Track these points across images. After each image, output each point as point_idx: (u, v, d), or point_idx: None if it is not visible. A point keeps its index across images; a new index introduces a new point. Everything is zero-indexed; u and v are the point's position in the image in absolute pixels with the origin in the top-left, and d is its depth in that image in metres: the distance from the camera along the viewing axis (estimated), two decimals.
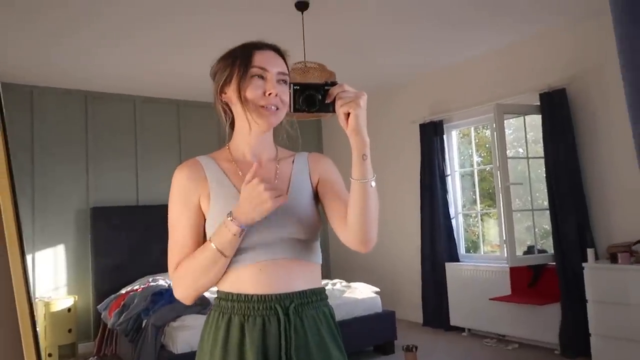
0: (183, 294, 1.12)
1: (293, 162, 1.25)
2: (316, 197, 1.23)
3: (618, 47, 0.60)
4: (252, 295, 1.09)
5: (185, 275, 1.10)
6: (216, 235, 1.05)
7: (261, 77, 1.13)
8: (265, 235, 1.10)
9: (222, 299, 1.12)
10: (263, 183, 1.00)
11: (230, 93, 1.15)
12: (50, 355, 4.28)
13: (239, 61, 1.13)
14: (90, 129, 4.97)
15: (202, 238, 1.14)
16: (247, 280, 1.09)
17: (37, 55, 3.99)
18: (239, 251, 1.09)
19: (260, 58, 1.13)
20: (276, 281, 1.10)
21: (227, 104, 1.19)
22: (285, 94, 1.13)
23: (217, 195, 1.14)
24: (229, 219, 1.03)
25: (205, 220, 1.15)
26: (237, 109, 1.16)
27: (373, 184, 1.04)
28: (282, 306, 1.08)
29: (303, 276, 1.14)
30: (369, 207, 1.05)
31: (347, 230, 1.11)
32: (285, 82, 1.16)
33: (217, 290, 1.15)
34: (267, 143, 1.22)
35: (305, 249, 1.15)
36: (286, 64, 1.19)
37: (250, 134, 1.17)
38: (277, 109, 1.13)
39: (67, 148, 4.84)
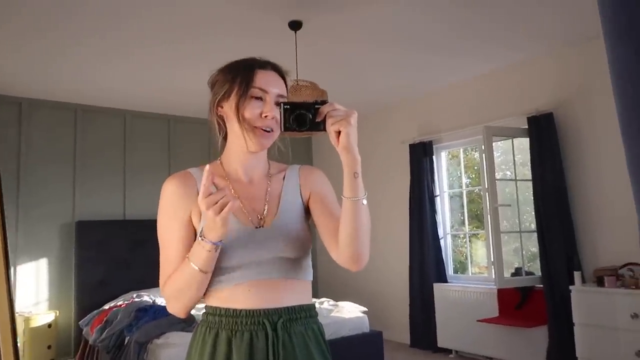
0: (174, 309, 1.11)
1: (284, 177, 1.24)
2: (307, 212, 1.22)
3: (608, 57, 0.61)
4: (241, 310, 1.08)
5: (171, 292, 1.09)
6: (193, 254, 1.04)
7: (260, 98, 1.12)
8: (255, 255, 1.10)
9: (210, 314, 1.12)
10: (205, 200, 0.95)
11: (227, 109, 1.14)
12: None
13: (239, 79, 1.13)
14: (79, 142, 4.93)
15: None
16: (236, 297, 1.09)
17: (28, 68, 3.97)
18: (227, 270, 1.09)
19: (262, 79, 1.13)
20: (265, 297, 1.09)
21: (222, 118, 1.18)
22: (279, 115, 1.12)
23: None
24: (200, 237, 1.02)
25: (196, 234, 1.12)
26: (232, 125, 1.15)
27: (364, 201, 1.04)
28: (270, 321, 1.08)
29: (292, 293, 1.13)
30: (360, 225, 1.05)
31: (338, 247, 1.10)
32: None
33: (205, 305, 1.14)
34: (259, 160, 1.22)
35: (295, 267, 1.14)
36: (286, 84, 1.19)
37: (243, 150, 1.16)
38: (272, 130, 1.14)
39: (55, 160, 4.79)
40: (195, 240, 1.10)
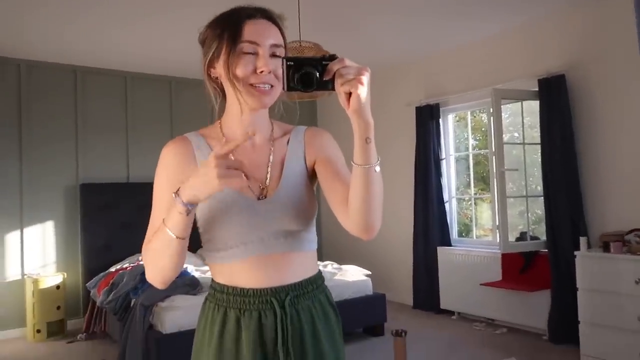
0: (149, 276, 1.04)
1: (289, 141, 1.15)
2: (312, 177, 1.14)
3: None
4: (248, 290, 1.06)
5: (146, 258, 1.02)
6: (168, 216, 0.95)
7: (252, 52, 1.02)
8: (258, 229, 1.05)
9: (217, 291, 1.09)
10: (219, 159, 0.85)
11: (220, 69, 1.05)
12: (38, 331, 4.27)
13: (226, 34, 1.02)
14: (79, 105, 4.87)
15: None
16: (241, 274, 1.06)
17: (25, 29, 3.86)
18: (229, 245, 1.05)
19: (251, 30, 1.02)
20: (271, 275, 1.06)
21: (217, 79, 1.09)
22: (280, 69, 0.99)
23: None
24: (174, 194, 0.92)
25: None
26: (227, 85, 1.06)
27: (377, 168, 0.94)
28: (277, 299, 1.05)
29: (298, 267, 1.10)
30: (372, 194, 0.96)
31: (348, 216, 1.02)
32: (279, 55, 1.04)
33: (212, 280, 1.12)
34: (261, 120, 1.12)
35: (300, 239, 1.10)
36: (282, 32, 1.08)
37: (242, 113, 1.08)
38: (272, 86, 1.03)
39: (56, 123, 4.75)
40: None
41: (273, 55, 1.03)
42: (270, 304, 1.05)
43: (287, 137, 1.16)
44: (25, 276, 4.46)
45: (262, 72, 1.01)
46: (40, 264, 4.60)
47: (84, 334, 4.28)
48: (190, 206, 0.92)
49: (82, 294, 4.70)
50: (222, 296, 1.08)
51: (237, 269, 1.06)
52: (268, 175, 1.10)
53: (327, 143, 1.17)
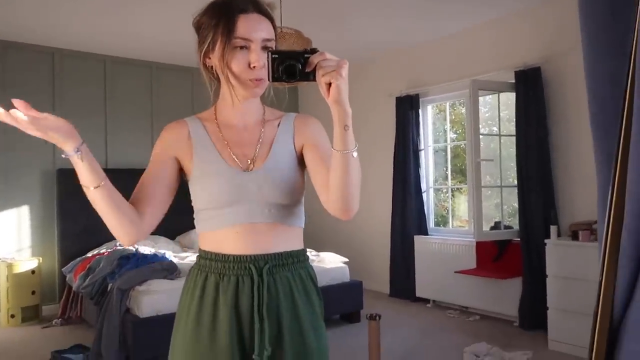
0: (114, 235, 1.13)
1: (279, 125, 1.23)
2: (301, 162, 1.22)
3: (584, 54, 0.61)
4: (229, 255, 1.13)
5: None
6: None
7: (245, 46, 1.09)
8: (241, 197, 1.12)
9: (202, 257, 1.17)
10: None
11: (214, 61, 1.13)
12: (12, 316, 4.22)
13: (221, 28, 1.08)
14: (57, 87, 4.80)
15: (164, 190, 1.16)
16: (225, 241, 1.13)
17: (3, 10, 3.78)
18: (215, 212, 1.13)
19: (244, 25, 1.08)
20: (252, 243, 1.13)
21: (212, 68, 1.16)
22: None
23: (199, 157, 1.16)
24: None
25: (177, 177, 1.19)
26: (221, 76, 1.14)
27: (355, 154, 1.02)
28: (256, 267, 1.12)
29: (281, 239, 1.16)
30: (350, 177, 1.04)
31: (329, 197, 1.10)
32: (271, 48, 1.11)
33: (199, 249, 1.20)
34: (253, 106, 1.21)
35: (286, 213, 1.16)
36: (273, 23, 1.15)
37: (233, 103, 1.17)
38: (262, 79, 1.11)
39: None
40: (170, 182, 1.17)
41: (264, 48, 1.10)
42: (249, 271, 1.11)
43: (278, 121, 1.24)
44: None
45: (255, 67, 1.09)
46: (15, 249, 4.55)
47: (60, 319, 4.25)
48: (72, 153, 1.00)
49: (58, 279, 4.66)
50: (205, 262, 1.15)
51: (223, 236, 1.13)
52: (256, 151, 1.18)
53: (316, 130, 1.24)
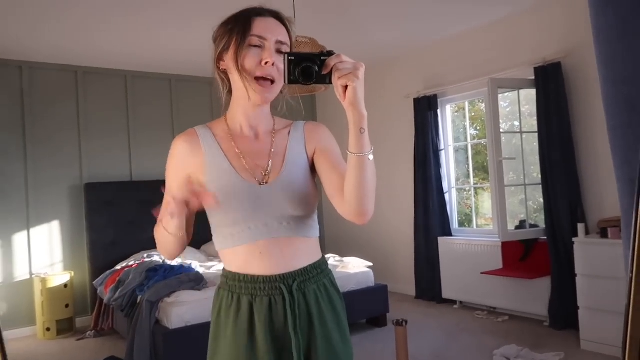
0: (160, 252, 1.21)
1: (289, 133, 1.23)
2: (312, 168, 1.22)
3: (594, 39, 0.61)
4: (258, 277, 1.13)
5: (156, 241, 1.18)
6: (163, 217, 1.10)
7: (259, 46, 1.10)
8: (261, 212, 1.12)
9: (230, 279, 1.17)
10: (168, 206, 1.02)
11: (228, 61, 1.13)
12: (48, 329, 4.35)
13: (237, 29, 1.10)
14: (81, 105, 4.92)
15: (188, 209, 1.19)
16: (251, 262, 1.14)
17: (26, 31, 3.91)
18: (235, 230, 1.13)
19: (260, 26, 1.10)
20: (278, 262, 1.14)
21: (225, 72, 1.17)
22: (282, 64, 1.07)
23: (211, 169, 1.15)
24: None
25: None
26: (234, 77, 1.14)
27: (371, 157, 1.03)
28: (286, 285, 1.13)
29: (303, 253, 1.18)
30: (366, 181, 1.04)
31: (344, 202, 1.11)
32: (283, 51, 1.12)
33: (225, 270, 1.20)
34: (264, 115, 1.21)
35: (303, 225, 1.17)
36: (289, 32, 1.16)
37: (247, 104, 1.16)
38: (273, 82, 1.11)
39: (58, 124, 4.80)
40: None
41: (278, 52, 1.11)
42: (280, 290, 1.13)
43: (288, 130, 1.24)
44: (33, 276, 4.54)
45: (266, 63, 1.09)
46: (47, 263, 4.68)
47: (93, 331, 4.35)
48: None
49: (90, 292, 4.77)
50: (234, 283, 1.16)
51: (246, 256, 1.14)
52: (270, 163, 1.17)
53: (325, 136, 1.25)
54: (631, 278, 0.63)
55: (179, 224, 1.07)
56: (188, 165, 1.16)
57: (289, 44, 1.14)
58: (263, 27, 1.10)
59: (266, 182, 1.14)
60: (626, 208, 0.65)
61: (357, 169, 1.03)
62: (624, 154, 0.57)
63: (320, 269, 1.20)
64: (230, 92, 1.20)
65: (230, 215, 1.12)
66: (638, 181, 0.58)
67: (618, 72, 0.54)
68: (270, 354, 1.10)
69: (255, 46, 1.09)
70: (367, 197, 1.07)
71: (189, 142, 1.18)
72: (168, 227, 1.09)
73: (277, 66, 1.10)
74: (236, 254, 1.15)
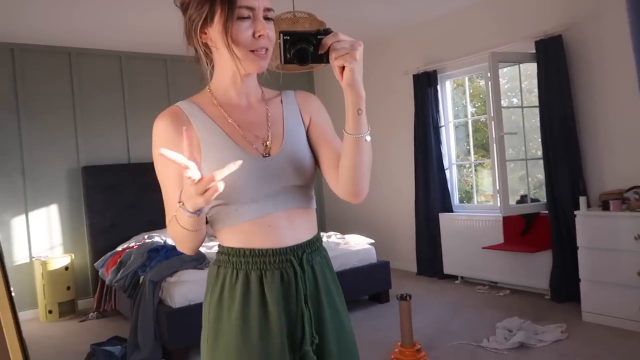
0: (181, 250, 1.10)
1: (281, 101, 1.18)
2: (308, 137, 1.17)
3: None
4: (267, 250, 1.07)
5: (173, 238, 1.07)
6: (178, 215, 0.98)
7: (247, 16, 1.01)
8: (268, 186, 1.07)
9: (233, 255, 1.09)
10: (191, 177, 0.86)
11: (214, 34, 1.03)
12: (50, 312, 4.35)
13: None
14: (76, 87, 4.85)
15: None
16: (257, 236, 1.07)
17: (15, 12, 3.82)
18: (240, 205, 1.06)
19: None
20: (287, 234, 1.09)
21: (206, 44, 1.08)
22: (272, 31, 1.05)
23: (208, 145, 1.06)
24: (179, 204, 0.95)
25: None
26: (221, 52, 1.05)
27: (368, 138, 1.00)
28: (296, 257, 1.09)
29: (308, 224, 1.14)
30: (362, 162, 1.02)
31: (338, 181, 1.08)
32: (271, 18, 1.05)
33: (225, 247, 1.10)
34: (253, 82, 1.14)
35: (305, 195, 1.13)
36: None
37: (236, 73, 1.08)
38: (267, 50, 1.04)
39: (54, 107, 4.74)
40: None
41: (266, 19, 1.04)
42: (290, 262, 1.08)
43: (279, 98, 1.19)
44: (33, 259, 4.52)
45: (260, 35, 1.02)
46: (47, 247, 4.66)
47: (95, 312, 4.37)
48: (199, 212, 0.95)
49: (91, 274, 4.77)
50: (240, 259, 1.08)
51: (252, 230, 1.07)
52: (269, 132, 1.11)
53: (319, 107, 1.21)
54: None
55: (199, 220, 0.98)
56: (178, 143, 1.01)
57: (273, 9, 1.07)
58: None
59: (268, 154, 1.09)
60: None
61: (353, 150, 1.00)
62: None
63: (320, 241, 1.19)
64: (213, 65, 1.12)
65: (234, 192, 1.04)
66: None
67: None
68: (284, 328, 1.06)
69: (243, 18, 1.01)
70: (362, 178, 1.05)
71: (174, 122, 1.06)
72: (186, 224, 0.97)
73: (269, 35, 1.03)
74: (240, 230, 1.08)
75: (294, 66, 1.02)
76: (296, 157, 1.11)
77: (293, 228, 1.11)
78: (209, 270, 1.16)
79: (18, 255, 4.53)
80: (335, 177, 1.09)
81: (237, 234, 1.09)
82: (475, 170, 5.18)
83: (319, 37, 0.93)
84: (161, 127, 1.06)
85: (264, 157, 1.08)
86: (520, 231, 4.15)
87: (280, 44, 0.94)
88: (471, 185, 5.22)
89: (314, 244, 1.14)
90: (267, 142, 1.10)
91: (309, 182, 1.13)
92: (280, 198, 1.09)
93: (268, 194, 1.07)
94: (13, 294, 1.17)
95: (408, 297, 2.89)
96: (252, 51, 1.03)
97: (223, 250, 1.11)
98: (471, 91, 5.21)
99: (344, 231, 5.20)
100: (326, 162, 1.12)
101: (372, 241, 4.36)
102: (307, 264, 1.11)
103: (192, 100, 1.13)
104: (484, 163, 5.12)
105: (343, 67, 0.92)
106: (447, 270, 4.76)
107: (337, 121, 1.11)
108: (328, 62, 0.94)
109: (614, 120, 3.61)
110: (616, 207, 3.27)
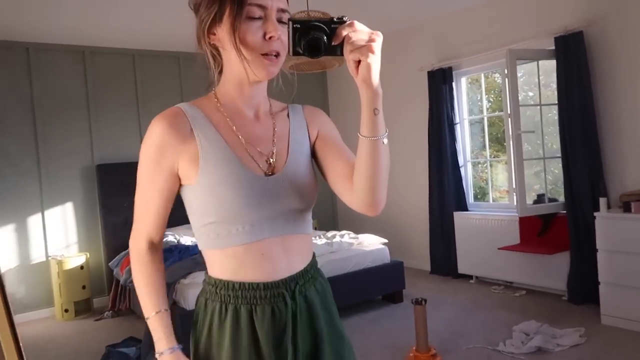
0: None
1: (288, 116, 1.10)
2: (312, 154, 1.10)
3: None
4: (258, 283, 1.00)
5: (133, 280, 1.10)
6: (153, 332, 1.06)
7: (259, 17, 0.93)
8: (267, 208, 0.98)
9: (221, 288, 1.01)
10: None
11: (222, 35, 0.95)
12: (66, 310, 4.39)
13: None
14: (90, 85, 4.86)
15: (170, 204, 1.02)
16: (248, 266, 0.99)
17: (31, 12, 3.82)
18: (236, 228, 0.97)
19: None
20: (280, 264, 1.01)
21: (215, 47, 1.00)
22: (285, 35, 0.94)
23: (207, 156, 0.97)
24: (157, 356, 1.04)
25: (179, 186, 1.00)
26: (229, 53, 0.97)
27: (385, 141, 0.89)
28: (288, 290, 1.01)
29: (302, 252, 1.07)
30: (379, 168, 0.91)
31: (352, 191, 0.98)
32: (284, 21, 0.96)
33: (213, 278, 1.03)
34: (262, 92, 1.06)
35: (303, 220, 1.06)
36: None
37: (244, 80, 1.00)
38: (278, 55, 0.95)
39: (68, 105, 4.75)
40: (174, 193, 1.01)
41: (279, 21, 0.95)
42: (282, 296, 1.00)
43: (286, 112, 1.11)
44: (49, 258, 4.56)
45: (271, 37, 0.93)
46: (62, 245, 4.70)
47: (110, 311, 4.39)
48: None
49: (106, 273, 4.80)
50: (228, 293, 1.00)
51: (243, 257, 0.99)
52: (274, 149, 1.03)
53: (327, 121, 1.14)
54: None
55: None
56: (179, 152, 0.96)
57: (289, 11, 0.98)
58: None
59: (272, 173, 1.00)
60: None
61: (370, 154, 0.89)
62: None
63: (315, 266, 1.11)
64: (221, 69, 1.03)
65: (227, 211, 0.95)
66: None
67: None
68: None
69: (254, 18, 0.92)
70: (380, 186, 0.93)
71: (176, 126, 0.97)
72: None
73: (282, 39, 0.94)
74: (228, 255, 0.99)
75: (304, 59, 0.94)
76: (299, 178, 1.03)
77: (287, 257, 1.02)
78: (197, 299, 1.10)
79: (34, 254, 4.57)
80: (349, 188, 0.99)
81: (227, 261, 1.00)
82: (490, 165, 5.10)
83: (332, 26, 0.83)
84: (158, 130, 0.98)
85: (266, 175, 1.00)
86: (537, 232, 4.08)
87: (289, 32, 0.84)
88: (486, 182, 5.15)
89: (308, 273, 1.07)
90: (271, 160, 1.02)
91: (309, 205, 1.05)
92: (278, 222, 1.00)
93: (266, 216, 0.98)
94: (8, 296, 1.16)
95: (423, 302, 2.85)
96: (263, 55, 0.95)
97: (210, 282, 1.04)
98: (486, 85, 5.12)
99: (357, 229, 5.16)
100: (337, 175, 1.03)
101: (386, 241, 4.32)
102: (300, 296, 1.03)
103: (196, 104, 1.04)
104: (499, 159, 5.04)
105: (359, 62, 0.83)
106: (461, 269, 4.71)
107: (353, 126, 1.04)
108: (342, 54, 0.84)
109: (637, 119, 3.52)
110: (638, 208, 3.19)
